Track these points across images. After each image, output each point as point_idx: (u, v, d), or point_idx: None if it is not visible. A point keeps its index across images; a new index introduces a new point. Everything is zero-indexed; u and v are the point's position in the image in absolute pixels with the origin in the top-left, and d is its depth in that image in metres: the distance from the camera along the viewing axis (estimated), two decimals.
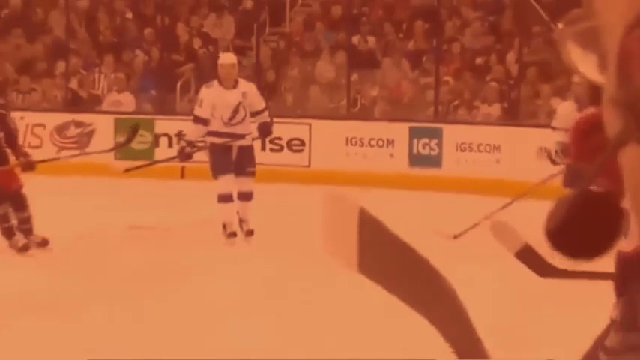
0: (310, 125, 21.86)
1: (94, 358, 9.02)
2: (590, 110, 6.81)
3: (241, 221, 14.11)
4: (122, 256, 13.44)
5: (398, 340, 8.60)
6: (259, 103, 14.68)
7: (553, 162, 15.20)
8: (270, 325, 10.15)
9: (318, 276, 9.98)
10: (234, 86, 14.43)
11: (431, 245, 4.97)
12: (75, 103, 24.71)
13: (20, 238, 13.39)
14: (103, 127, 22.87)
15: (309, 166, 21.37)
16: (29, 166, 13.59)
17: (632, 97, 0.73)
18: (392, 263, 1.85)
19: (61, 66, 25.93)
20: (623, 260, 4.38)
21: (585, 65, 1.00)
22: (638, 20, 0.74)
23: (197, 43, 26.32)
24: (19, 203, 13.38)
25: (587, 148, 6.62)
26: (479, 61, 24.39)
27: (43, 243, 13.47)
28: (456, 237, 11.11)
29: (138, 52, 26.32)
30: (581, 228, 1.70)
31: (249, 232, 14.09)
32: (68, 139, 22.48)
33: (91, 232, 13.84)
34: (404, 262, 1.83)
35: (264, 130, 14.75)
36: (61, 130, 22.80)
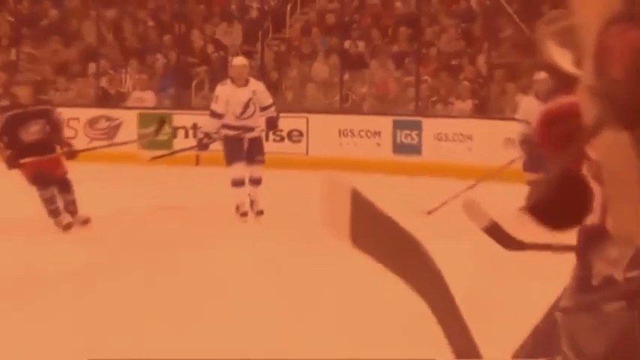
0: (308, 119, 21.76)
1: (132, 315, 9.16)
2: (554, 103, 6.70)
3: (252, 202, 14.06)
4: (149, 232, 13.43)
5: (383, 303, 8.58)
6: (267, 99, 14.57)
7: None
8: (276, 289, 10.13)
9: (317, 248, 9.89)
10: (246, 84, 14.32)
11: (411, 221, 5.10)
12: (104, 99, 24.64)
13: (65, 218, 13.27)
14: (128, 121, 22.82)
15: (307, 154, 21.34)
16: (72, 155, 13.44)
17: (609, 88, 0.68)
18: (379, 236, 1.91)
19: (92, 68, 25.69)
20: (585, 233, 4.38)
21: (562, 60, 0.79)
22: (613, 19, 0.70)
23: (210, 48, 26.02)
24: (65, 187, 13.27)
25: (552, 135, 6.56)
26: (453, 62, 24.20)
27: (86, 221, 13.40)
28: (429, 213, 11.08)
29: (158, 55, 26.09)
30: (558, 204, 1.82)
31: (260, 212, 14.03)
32: (99, 131, 22.27)
33: (122, 211, 13.68)
34: (390, 235, 1.90)
35: (272, 123, 14.69)
36: (92, 123, 22.55)
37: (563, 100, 6.75)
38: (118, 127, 22.74)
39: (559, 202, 1.74)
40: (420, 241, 1.92)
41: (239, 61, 15.18)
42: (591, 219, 3.14)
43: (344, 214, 1.89)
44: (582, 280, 1.60)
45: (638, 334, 1.57)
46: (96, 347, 8.11)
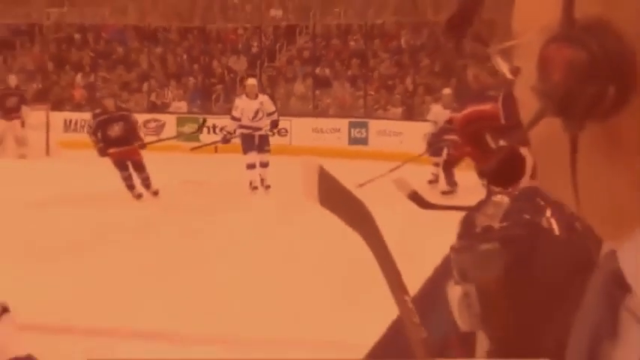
0: (291, 121, 21.71)
1: (170, 258, 9.12)
2: (468, 109, 6.61)
3: (262, 180, 14.15)
4: (185, 199, 13.46)
5: (345, 244, 8.58)
6: (271, 107, 14.56)
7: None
8: (279, 238, 10.16)
9: (305, 209, 9.99)
10: (256, 97, 14.41)
11: (358, 191, 5.09)
12: (153, 108, 24.67)
13: (137, 191, 13.30)
14: (169, 122, 22.82)
15: (290, 144, 21.24)
16: (143, 146, 13.49)
17: (549, 88, 0.63)
18: (337, 198, 1.88)
19: (145, 86, 25.91)
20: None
21: (504, 69, 0.75)
22: (553, 38, 0.63)
23: (224, 72, 26.23)
24: (141, 168, 13.27)
25: (468, 132, 6.46)
26: (389, 82, 24.33)
27: (156, 193, 13.41)
28: (360, 185, 10.95)
29: (190, 78, 26.20)
30: (505, 169, 1.83)
31: (267, 186, 14.09)
32: (150, 129, 22.29)
33: (163, 185, 13.65)
34: (343, 198, 1.87)
35: (274, 124, 14.75)
36: (145, 123, 22.63)
37: (477, 107, 6.65)
38: (162, 126, 22.62)
39: (503, 169, 1.76)
40: (364, 203, 1.87)
41: (251, 81, 15.23)
42: (523, 182, 3.12)
43: (314, 184, 1.90)
44: (468, 229, 1.59)
45: (508, 266, 1.56)
46: (145, 285, 8.00)
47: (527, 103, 0.72)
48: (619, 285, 0.68)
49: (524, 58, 0.74)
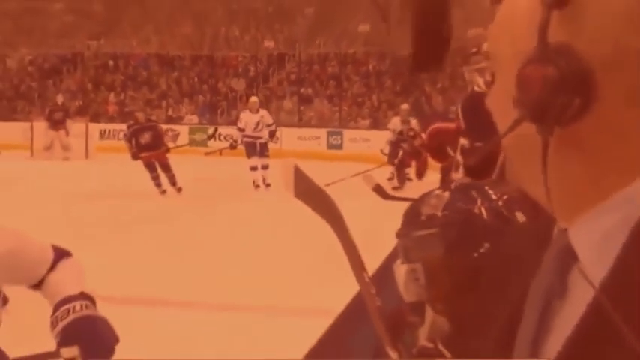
0: (281, 130, 21.69)
1: (184, 240, 9.06)
2: (435, 126, 6.64)
3: (264, 179, 14.10)
4: (195, 191, 13.34)
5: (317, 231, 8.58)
6: (269, 120, 14.54)
7: (382, 152, 15.34)
8: (279, 227, 9.96)
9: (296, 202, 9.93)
10: (257, 112, 14.39)
11: (335, 186, 5.12)
12: (170, 120, 24.59)
13: (163, 188, 13.09)
14: (183, 132, 22.66)
15: (281, 148, 21.23)
16: (168, 151, 13.29)
17: (528, 99, 0.63)
18: (310, 193, 1.84)
19: (164, 103, 25.86)
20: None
21: (479, 83, 0.67)
22: (530, 59, 0.64)
23: (227, 92, 26.23)
24: (167, 168, 13.09)
25: (432, 145, 6.48)
26: (359, 99, 24.42)
27: (180, 189, 13.16)
28: (327, 185, 10.85)
29: (200, 96, 26.21)
30: (481, 165, 1.82)
31: (268, 185, 13.99)
32: (167, 138, 22.15)
33: (182, 181, 13.62)
34: (315, 194, 1.83)
35: (272, 134, 14.70)
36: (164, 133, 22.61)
37: (442, 125, 6.65)
38: (177, 135, 22.52)
39: (480, 166, 1.77)
40: (331, 196, 1.84)
41: (253, 99, 15.16)
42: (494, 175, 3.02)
43: (290, 180, 1.86)
44: (413, 217, 1.58)
45: (447, 246, 1.54)
46: (168, 260, 7.99)
47: (503, 112, 0.73)
48: (569, 255, 0.70)
49: (497, 75, 0.76)
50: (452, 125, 5.96)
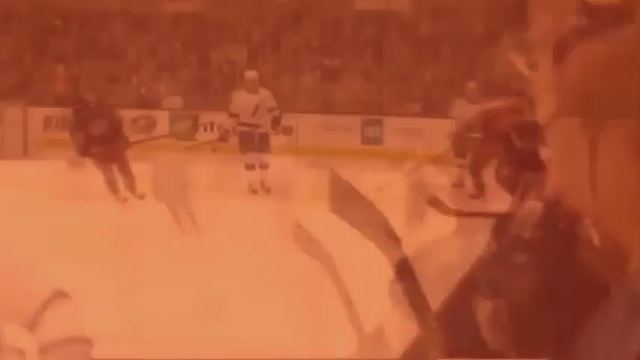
0: (298, 117, 21.70)
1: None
2: (490, 105, 6.67)
3: (262, 182, 14.24)
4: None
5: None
6: (272, 103, 14.76)
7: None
8: (282, 248, 10.16)
9: (312, 213, 9.95)
10: (256, 91, 14.58)
11: (369, 194, 5.08)
12: (143, 103, 24.69)
13: (121, 193, 13.51)
14: (161, 120, 22.76)
15: (297, 142, 21.18)
16: (128, 145, 13.63)
17: (568, 84, 0.62)
18: (351, 205, 1.84)
19: (134, 80, 26.01)
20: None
21: (520, 65, 0.73)
22: (567, 35, 0.63)
23: (223, 65, 26.33)
24: (126, 169, 13.48)
25: (492, 129, 6.51)
26: (407, 75, 24.41)
27: (142, 196, 13.32)
28: (378, 190, 10.81)
29: (184, 70, 26.32)
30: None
31: (267, 189, 14.15)
32: (139, 127, 22.20)
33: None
34: (356, 204, 1.83)
35: (275, 122, 14.86)
36: (134, 120, 22.62)
37: (501, 101, 6.72)
38: (153, 124, 22.71)
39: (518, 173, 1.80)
40: (380, 209, 1.86)
41: (250, 73, 15.36)
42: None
43: (324, 188, 1.84)
44: (498, 237, 1.58)
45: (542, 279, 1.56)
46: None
47: (546, 102, 0.73)
48: None
49: (541, 52, 0.76)
50: (511, 101, 5.99)
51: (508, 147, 6.54)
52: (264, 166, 14.27)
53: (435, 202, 5.25)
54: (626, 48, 0.62)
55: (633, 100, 0.62)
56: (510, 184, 7.24)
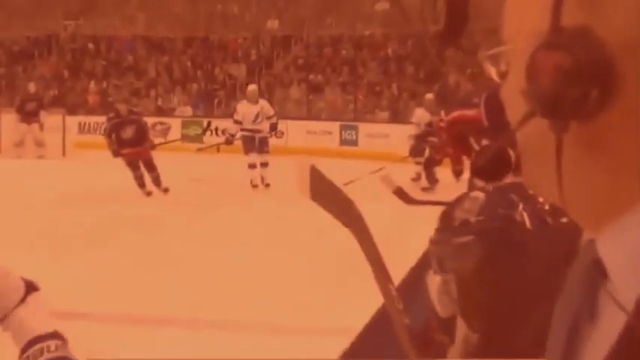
0: (288, 123, 21.65)
1: (180, 239, 9.10)
2: (455, 113, 6.60)
3: (262, 178, 14.18)
4: (189, 193, 13.47)
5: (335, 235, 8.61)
6: (270, 111, 14.62)
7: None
8: (276, 229, 10.14)
9: (302, 203, 9.99)
10: (256, 102, 14.49)
11: (348, 187, 5.05)
12: (159, 112, 24.53)
13: (148, 188, 13.22)
14: (175, 125, 22.68)
15: (286, 144, 21.14)
16: (153, 147, 13.51)
17: (539, 91, 0.63)
18: (327, 195, 1.84)
19: (152, 93, 25.90)
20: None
21: (492, 73, 0.72)
22: (541, 45, 0.64)
23: (226, 80, 26.26)
24: (151, 167, 13.19)
25: (453, 134, 6.46)
26: (377, 88, 24.37)
27: (166, 190, 13.25)
28: (345, 184, 10.83)
29: (194, 84, 26.22)
30: (493, 165, 1.83)
31: (267, 185, 14.07)
32: (157, 132, 22.05)
33: (170, 181, 13.62)
34: (333, 195, 1.84)
35: (273, 127, 14.77)
36: (152, 126, 22.51)
37: (462, 112, 6.69)
38: (168, 129, 22.47)
39: (491, 166, 1.76)
40: (351, 199, 1.85)
41: (252, 87, 15.25)
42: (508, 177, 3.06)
43: (306, 181, 1.86)
44: (446, 222, 1.58)
45: (484, 257, 1.55)
46: (155, 273, 8.04)
47: (515, 105, 0.72)
48: (598, 271, 0.69)
49: (511, 63, 0.75)
50: (473, 112, 5.99)
51: (466, 148, 6.47)
52: (263, 165, 14.20)
53: (399, 193, 5.21)
54: (588, 59, 0.64)
55: (594, 104, 0.64)
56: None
